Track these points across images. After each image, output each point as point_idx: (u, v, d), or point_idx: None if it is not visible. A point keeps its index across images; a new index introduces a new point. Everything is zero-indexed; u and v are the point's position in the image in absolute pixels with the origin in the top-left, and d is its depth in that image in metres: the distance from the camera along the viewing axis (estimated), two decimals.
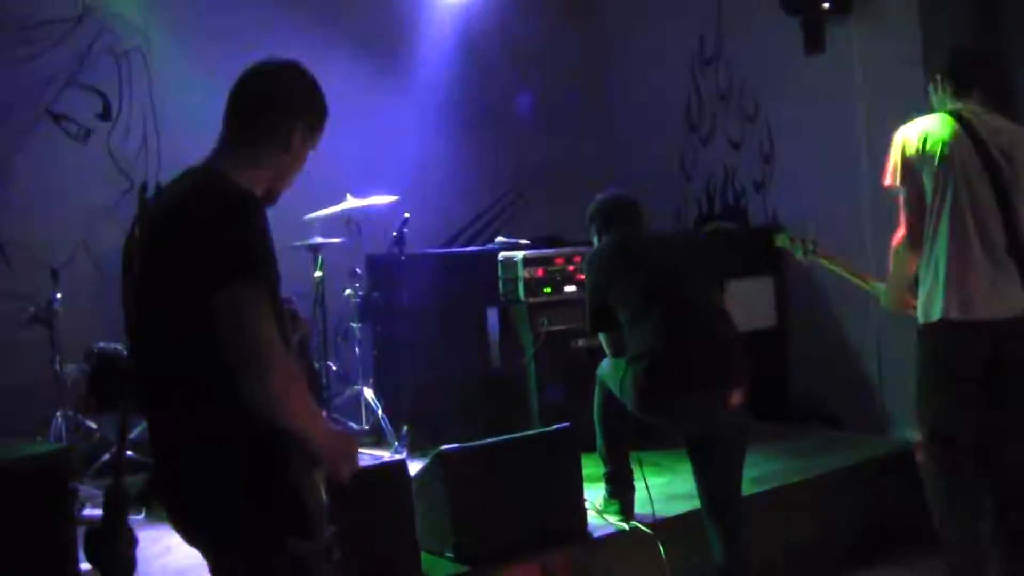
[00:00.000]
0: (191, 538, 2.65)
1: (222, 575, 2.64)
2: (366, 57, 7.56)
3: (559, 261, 6.24)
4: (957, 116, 4.45)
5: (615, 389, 4.56)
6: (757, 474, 5.43)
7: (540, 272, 6.11)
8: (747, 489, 4.85)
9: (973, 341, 4.33)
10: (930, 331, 4.39)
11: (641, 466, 4.86)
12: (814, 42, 7.03)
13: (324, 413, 6.00)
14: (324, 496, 2.69)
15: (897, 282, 4.59)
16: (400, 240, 6.37)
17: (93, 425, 5.97)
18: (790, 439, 6.38)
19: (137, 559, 2.30)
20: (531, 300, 6.09)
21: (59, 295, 5.78)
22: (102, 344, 5.74)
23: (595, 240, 4.87)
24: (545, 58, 8.52)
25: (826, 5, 6.83)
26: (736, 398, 4.33)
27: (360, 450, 5.47)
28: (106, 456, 5.83)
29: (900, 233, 4.48)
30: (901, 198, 4.47)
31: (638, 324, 4.41)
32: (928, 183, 4.39)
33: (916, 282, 4.53)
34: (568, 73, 8.72)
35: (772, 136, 7.56)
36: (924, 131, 4.43)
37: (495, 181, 8.34)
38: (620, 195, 4.90)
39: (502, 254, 6.27)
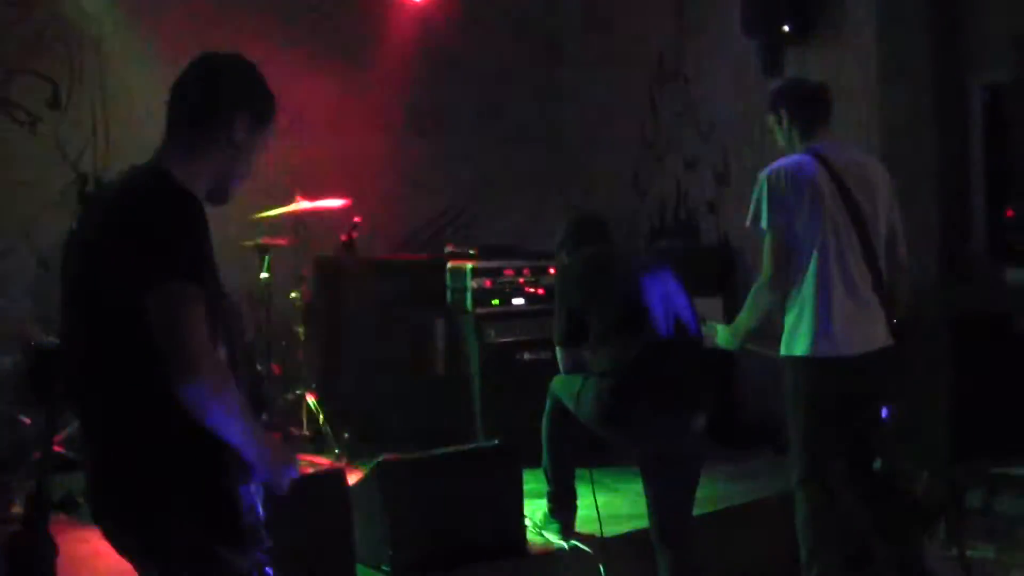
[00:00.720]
0: (119, 546, 2.59)
1: None
2: (323, 57, 7.48)
3: (509, 273, 6.23)
4: (815, 155, 4.51)
5: (570, 404, 4.54)
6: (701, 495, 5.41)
7: (488, 283, 6.10)
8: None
9: (835, 376, 4.46)
10: (792, 366, 4.52)
11: (592, 483, 4.76)
12: (772, 64, 7.05)
13: (264, 417, 5.92)
14: (260, 511, 2.62)
15: (750, 319, 4.62)
16: (349, 244, 6.30)
17: (26, 420, 5.85)
18: (738, 462, 6.34)
19: (56, 569, 2.23)
20: (479, 311, 6.07)
21: None
22: (40, 338, 5.63)
23: (565, 259, 4.81)
24: (504, 66, 8.49)
25: (786, 28, 6.84)
26: (701, 421, 4.34)
27: (300, 456, 5.43)
28: (38, 455, 5.71)
29: (764, 274, 4.51)
30: (767, 239, 4.49)
31: (609, 340, 4.38)
32: (795, 222, 4.45)
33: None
34: (527, 83, 8.69)
35: (727, 156, 7.57)
36: (789, 172, 4.49)
37: (449, 188, 8.29)
38: (588, 213, 4.91)
39: (451, 263, 6.23)
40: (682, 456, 4.38)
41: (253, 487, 2.58)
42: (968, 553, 5.31)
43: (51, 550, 2.11)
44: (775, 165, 4.56)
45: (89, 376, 2.54)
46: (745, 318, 4.63)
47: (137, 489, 2.49)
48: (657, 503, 4.42)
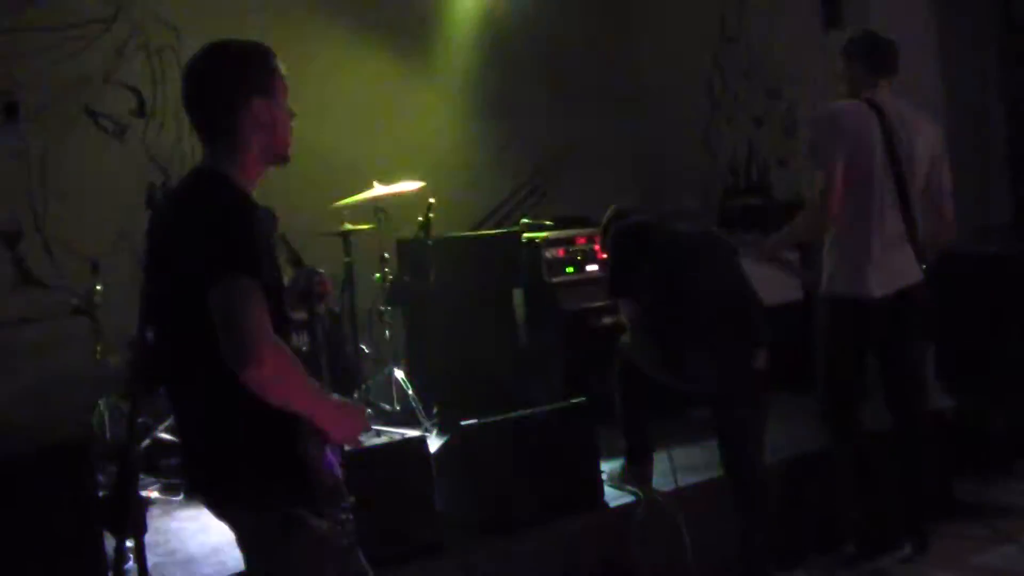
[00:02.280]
0: (217, 513, 2.82)
1: (244, 545, 2.81)
2: (391, 45, 7.70)
3: (581, 241, 6.36)
4: (871, 103, 4.71)
5: (636, 355, 4.73)
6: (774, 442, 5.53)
7: (561, 252, 6.23)
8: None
9: (866, 313, 4.80)
10: (832, 303, 4.88)
11: (664, 439, 4.97)
12: (833, 17, 7.11)
13: (355, 395, 6.17)
14: (338, 472, 2.82)
15: (791, 237, 5.18)
16: (426, 225, 6.49)
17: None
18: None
19: (147, 522, 2.47)
20: (554, 280, 6.22)
21: (99, 286, 5.95)
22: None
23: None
24: (569, 39, 8.61)
25: None
26: (759, 360, 4.49)
27: (391, 428, 5.67)
28: (147, 440, 6.03)
29: (813, 204, 4.82)
30: (820, 174, 4.74)
31: (663, 289, 4.57)
32: (843, 165, 4.68)
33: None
34: (592, 54, 8.80)
35: (794, 111, 7.63)
36: (844, 114, 4.74)
37: (522, 164, 8.44)
38: (624, 204, 5.10)
39: (525, 235, 6.39)
40: (746, 395, 4.52)
41: (329, 450, 2.78)
42: None
43: (142, 503, 2.35)
44: (833, 106, 4.81)
45: (173, 365, 2.76)
46: (789, 235, 5.06)
47: (219, 464, 2.72)
48: (724, 446, 4.57)
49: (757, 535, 4.52)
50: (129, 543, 2.41)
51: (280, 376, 2.53)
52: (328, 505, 2.76)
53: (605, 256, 4.99)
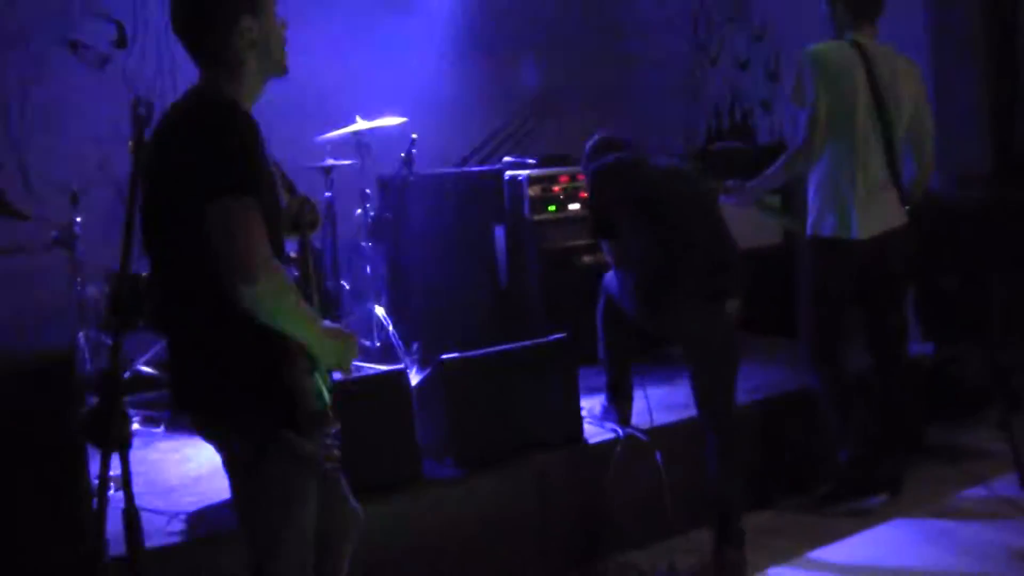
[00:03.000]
0: (201, 433, 2.84)
1: (229, 467, 2.82)
2: None
3: (564, 179, 6.35)
4: (856, 45, 4.75)
5: (617, 296, 4.75)
6: (751, 384, 5.61)
7: (543, 190, 6.23)
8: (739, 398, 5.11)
9: (851, 255, 4.86)
10: (818, 245, 4.93)
11: (642, 376, 5.01)
12: None
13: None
14: (327, 395, 2.85)
15: (776, 179, 5.09)
16: (408, 161, 6.48)
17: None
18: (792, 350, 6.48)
19: (132, 436, 2.49)
20: (536, 217, 6.22)
21: (79, 219, 5.91)
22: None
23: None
24: None
25: None
26: (733, 305, 4.51)
27: (371, 365, 5.68)
28: (127, 374, 6.03)
29: (801, 143, 4.86)
30: (807, 113, 4.79)
31: (642, 232, 4.57)
32: (828, 106, 4.68)
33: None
34: None
35: (779, 54, 7.62)
36: (830, 53, 4.78)
37: (505, 102, 8.40)
38: (609, 133, 5.08)
39: (507, 173, 6.38)
40: (720, 341, 4.54)
41: (318, 374, 2.80)
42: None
43: (126, 417, 2.36)
44: (817, 46, 4.83)
45: (165, 285, 2.77)
46: (772, 176, 5.02)
47: (208, 383, 2.74)
48: (700, 390, 4.58)
49: (728, 476, 4.54)
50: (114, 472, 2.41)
51: (275, 295, 2.55)
52: (314, 429, 2.79)
53: (586, 190, 4.95)
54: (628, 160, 4.82)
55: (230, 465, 2.81)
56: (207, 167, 2.56)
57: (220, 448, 2.82)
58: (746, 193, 5.18)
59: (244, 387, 2.70)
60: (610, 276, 4.90)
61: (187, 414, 2.84)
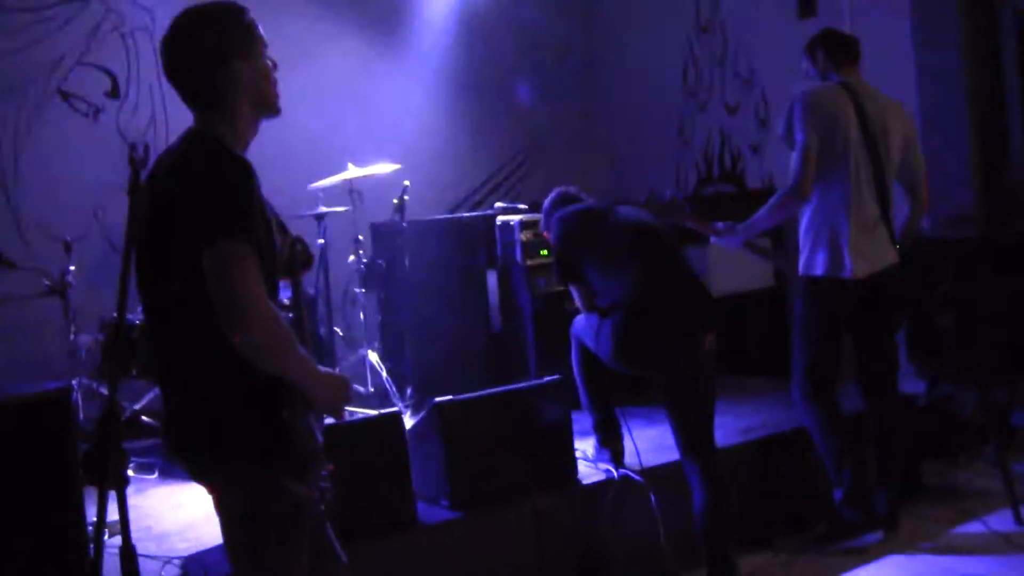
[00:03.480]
0: (195, 477, 2.82)
1: (222, 510, 2.79)
2: (366, 26, 7.72)
3: None
4: (845, 86, 4.83)
5: (591, 343, 4.74)
6: (746, 425, 5.63)
7: (535, 235, 6.25)
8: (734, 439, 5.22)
9: (845, 294, 4.88)
10: (811, 285, 4.93)
11: (624, 419, 5.01)
12: (806, 5, 7.18)
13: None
14: (319, 437, 2.85)
15: (768, 219, 5.03)
16: (401, 207, 6.51)
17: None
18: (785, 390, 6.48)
19: (128, 475, 2.48)
20: (528, 262, 6.24)
21: (72, 267, 5.93)
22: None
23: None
24: (543, 26, 8.64)
25: None
26: (710, 341, 4.53)
27: (366, 411, 5.67)
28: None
29: (792, 183, 4.83)
30: (797, 152, 4.82)
31: (612, 275, 4.61)
32: (819, 146, 4.79)
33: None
34: (566, 41, 8.85)
35: (767, 99, 7.69)
36: (820, 94, 4.88)
37: (497, 149, 8.49)
38: (565, 188, 5.14)
39: (499, 218, 6.42)
40: (699, 377, 4.54)
41: (312, 416, 2.81)
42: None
43: (124, 456, 2.37)
44: (811, 87, 4.89)
45: (160, 331, 2.77)
46: (764, 217, 5.00)
47: (202, 426, 2.71)
48: (681, 426, 4.57)
49: (718, 512, 4.53)
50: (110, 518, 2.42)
51: (271, 340, 2.55)
52: (308, 472, 2.78)
53: (551, 238, 4.98)
54: (594, 209, 4.90)
55: (223, 509, 2.79)
56: (203, 211, 2.56)
57: (212, 490, 2.81)
58: (737, 235, 5.20)
59: (239, 430, 2.69)
60: (580, 322, 4.92)
61: (180, 458, 2.81)
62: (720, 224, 5.24)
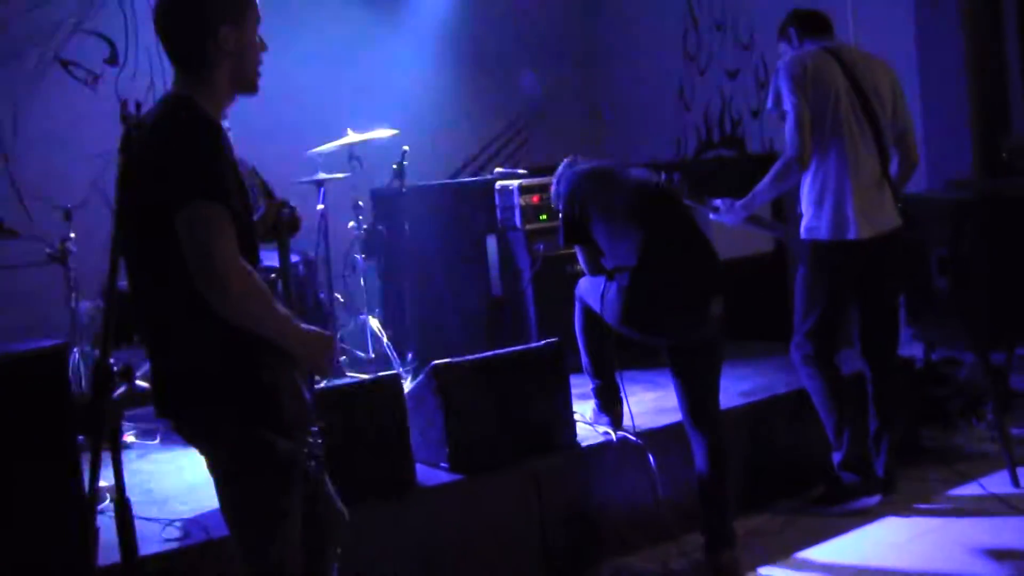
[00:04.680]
0: (183, 437, 2.86)
1: (212, 470, 2.83)
2: None
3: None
4: (828, 50, 4.80)
5: (595, 305, 4.72)
6: (745, 388, 5.65)
7: (536, 199, 6.24)
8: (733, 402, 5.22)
9: (849, 257, 4.87)
10: (814, 248, 4.92)
11: (623, 382, 5.00)
12: None
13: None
14: (306, 394, 2.86)
15: (770, 191, 5.02)
16: (400, 173, 6.50)
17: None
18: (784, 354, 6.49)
19: (123, 430, 2.51)
20: (527, 227, 6.25)
21: (72, 235, 5.93)
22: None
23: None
24: None
25: None
26: (717, 307, 4.51)
27: (365, 376, 5.69)
28: (123, 387, 6.02)
29: (790, 151, 4.81)
30: (790, 119, 4.79)
31: (620, 234, 4.57)
32: (810, 109, 4.77)
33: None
34: (566, 5, 8.80)
35: (767, 63, 7.67)
36: (806, 59, 4.84)
37: (497, 114, 8.47)
38: (576, 157, 5.11)
39: (499, 183, 6.41)
40: (704, 342, 4.53)
41: (297, 374, 2.82)
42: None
43: (118, 412, 2.39)
44: (793, 53, 4.85)
45: (143, 294, 2.78)
46: (765, 189, 4.97)
47: (186, 388, 2.75)
48: (685, 390, 4.57)
49: (720, 477, 4.54)
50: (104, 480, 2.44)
51: (247, 300, 2.58)
52: (295, 428, 2.80)
53: (558, 199, 4.96)
54: (603, 168, 4.87)
55: (213, 468, 2.83)
56: (175, 174, 2.58)
57: (203, 451, 2.84)
58: (737, 211, 5.15)
59: (220, 390, 2.72)
60: (585, 284, 4.89)
61: (167, 419, 2.85)
62: (718, 201, 5.18)
